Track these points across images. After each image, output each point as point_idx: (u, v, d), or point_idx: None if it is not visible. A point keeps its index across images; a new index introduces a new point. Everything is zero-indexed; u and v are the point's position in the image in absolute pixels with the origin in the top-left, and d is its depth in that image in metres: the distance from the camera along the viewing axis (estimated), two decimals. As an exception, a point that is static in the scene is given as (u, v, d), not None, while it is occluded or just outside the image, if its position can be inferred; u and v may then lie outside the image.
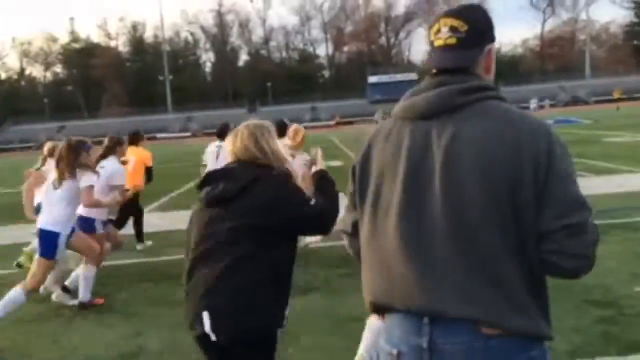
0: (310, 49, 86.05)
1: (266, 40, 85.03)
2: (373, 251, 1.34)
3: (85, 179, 4.38)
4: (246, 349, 1.90)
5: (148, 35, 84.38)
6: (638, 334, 3.46)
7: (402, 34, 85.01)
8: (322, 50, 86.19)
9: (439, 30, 1.36)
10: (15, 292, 4.18)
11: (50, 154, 5.25)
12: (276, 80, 75.09)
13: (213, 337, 1.88)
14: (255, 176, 2.01)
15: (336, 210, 2.08)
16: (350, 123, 56.91)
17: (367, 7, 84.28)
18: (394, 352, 1.31)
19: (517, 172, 1.20)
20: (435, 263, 1.23)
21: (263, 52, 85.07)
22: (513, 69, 74.35)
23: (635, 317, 3.70)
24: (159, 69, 73.70)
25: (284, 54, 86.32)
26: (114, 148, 5.41)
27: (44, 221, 4.31)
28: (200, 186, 2.13)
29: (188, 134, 61.76)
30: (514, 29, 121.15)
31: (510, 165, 1.20)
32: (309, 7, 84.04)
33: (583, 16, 76.95)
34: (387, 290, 1.30)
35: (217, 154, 6.35)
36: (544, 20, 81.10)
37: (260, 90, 73.99)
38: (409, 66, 78.70)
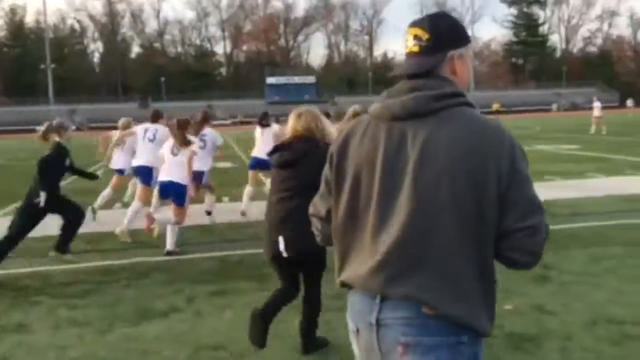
0: (208, 46, 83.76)
1: (160, 33, 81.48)
2: (350, 237, 1.47)
3: (193, 147, 5.96)
4: (305, 262, 2.99)
5: (29, 21, 77.53)
6: (507, 357, 3.19)
7: (301, 37, 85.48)
8: (220, 48, 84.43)
9: (407, 40, 1.48)
10: (171, 228, 5.85)
11: (124, 127, 7.83)
12: (171, 75, 72.09)
13: (285, 254, 2.94)
14: (307, 149, 3.00)
15: None
16: (247, 123, 55.90)
17: (267, 8, 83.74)
18: (354, 328, 1.47)
19: (482, 174, 1.30)
20: (396, 252, 1.34)
21: (157, 45, 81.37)
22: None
23: (503, 338, 3.42)
24: (41, 57, 67.76)
25: (179, 48, 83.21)
26: (207, 120, 7.22)
27: (177, 177, 5.80)
28: (271, 153, 3.15)
29: (72, 127, 57.34)
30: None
31: (477, 168, 1.30)
32: (206, 2, 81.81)
33: (469, 32, 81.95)
34: (354, 271, 1.44)
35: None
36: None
37: (153, 85, 70.60)
38: (308, 69, 79.16)
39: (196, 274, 5.14)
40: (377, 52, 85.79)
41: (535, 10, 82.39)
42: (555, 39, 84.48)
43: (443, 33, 1.46)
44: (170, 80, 70.85)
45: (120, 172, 7.90)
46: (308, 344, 3.23)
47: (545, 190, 8.00)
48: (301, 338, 3.24)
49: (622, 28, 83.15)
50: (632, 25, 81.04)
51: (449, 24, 1.49)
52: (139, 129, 7.13)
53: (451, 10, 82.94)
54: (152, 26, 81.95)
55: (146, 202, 6.68)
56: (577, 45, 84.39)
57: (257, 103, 68.16)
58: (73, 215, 5.58)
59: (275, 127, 8.09)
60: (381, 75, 76.03)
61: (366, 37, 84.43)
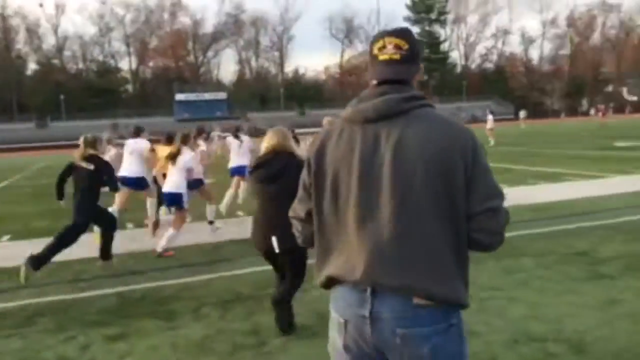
0: (111, 62, 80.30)
1: (59, 49, 77.05)
2: (333, 234, 1.56)
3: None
4: (290, 255, 3.73)
5: None
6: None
7: (210, 53, 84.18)
8: (125, 64, 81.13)
9: (383, 47, 1.57)
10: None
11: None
12: (71, 92, 68.24)
13: (277, 250, 3.70)
14: (284, 163, 3.75)
15: None
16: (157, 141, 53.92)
17: (174, 23, 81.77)
18: (342, 320, 1.54)
19: (450, 164, 1.44)
20: (381, 243, 1.44)
21: (55, 61, 76.86)
22: (317, 93, 78.55)
23: None
24: None
25: (80, 65, 79.06)
26: (201, 134, 8.73)
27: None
28: (253, 169, 3.89)
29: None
30: (318, 56, 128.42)
31: (445, 159, 1.44)
32: (109, 17, 78.54)
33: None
34: (341, 265, 1.51)
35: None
36: (343, 50, 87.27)
37: (51, 103, 66.46)
38: (219, 85, 78.03)
39: (91, 315, 4.63)
40: (288, 68, 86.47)
41: (437, 28, 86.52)
42: (456, 56, 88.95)
43: (417, 46, 1.61)
44: (71, 97, 67.04)
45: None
46: (288, 309, 3.90)
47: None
48: (282, 303, 3.88)
49: (514, 46, 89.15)
50: (523, 43, 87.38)
51: (418, 40, 1.65)
52: (130, 142, 8.13)
53: (358, 28, 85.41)
54: (50, 42, 77.18)
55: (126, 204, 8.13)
56: (475, 62, 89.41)
57: (166, 120, 66.15)
58: (108, 224, 6.12)
59: (245, 138, 9.53)
60: (292, 91, 76.55)
61: (277, 53, 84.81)
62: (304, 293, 4.42)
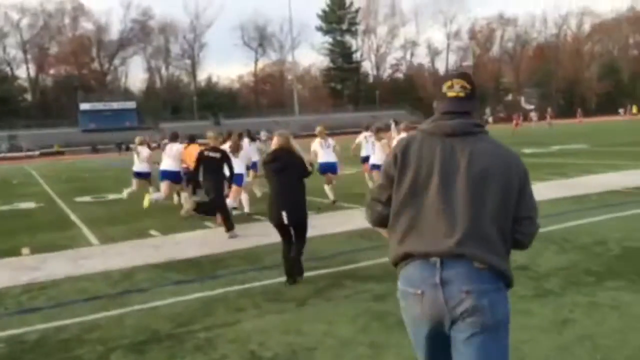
0: (7, 69, 74.53)
1: (-54, 55, 70.59)
2: (409, 215, 1.98)
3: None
4: (299, 226, 5.32)
5: None
6: None
7: (117, 60, 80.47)
8: (23, 72, 75.64)
9: (451, 86, 2.07)
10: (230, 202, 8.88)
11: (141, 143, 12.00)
12: (-40, 102, 62.57)
13: (286, 222, 5.22)
14: (289, 159, 5.41)
15: (308, 172, 5.59)
16: (61, 153, 50.42)
17: (76, 29, 77.37)
18: (418, 292, 1.92)
19: (509, 178, 1.97)
20: (455, 224, 1.91)
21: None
22: (232, 102, 77.27)
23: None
24: None
25: (-30, 73, 72.78)
26: (241, 137, 10.74)
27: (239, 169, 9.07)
28: (267, 163, 5.53)
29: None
30: (231, 65, 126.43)
31: (506, 173, 1.97)
32: (2, 22, 72.95)
33: (290, 58, 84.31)
34: (416, 240, 1.95)
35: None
36: (256, 59, 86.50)
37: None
38: (127, 94, 74.67)
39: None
40: (201, 76, 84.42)
41: (348, 39, 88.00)
42: (368, 66, 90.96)
43: (475, 86, 2.10)
44: (-40, 108, 61.48)
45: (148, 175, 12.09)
46: (299, 264, 5.43)
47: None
48: (295, 260, 5.40)
49: (422, 57, 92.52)
50: (429, 55, 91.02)
51: (475, 81, 2.15)
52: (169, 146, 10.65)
53: (271, 36, 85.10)
54: None
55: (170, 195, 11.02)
56: (386, 72, 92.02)
57: (70, 131, 62.33)
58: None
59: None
60: (206, 100, 74.77)
61: (188, 61, 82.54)
62: (230, 328, 3.89)
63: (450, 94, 2.05)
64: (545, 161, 16.45)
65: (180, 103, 76.45)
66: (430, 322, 1.92)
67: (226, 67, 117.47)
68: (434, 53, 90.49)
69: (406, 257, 1.98)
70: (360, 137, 12.28)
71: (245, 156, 9.88)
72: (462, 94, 2.05)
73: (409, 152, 2.03)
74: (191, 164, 9.00)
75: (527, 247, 2.06)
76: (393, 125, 23.99)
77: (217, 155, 8.01)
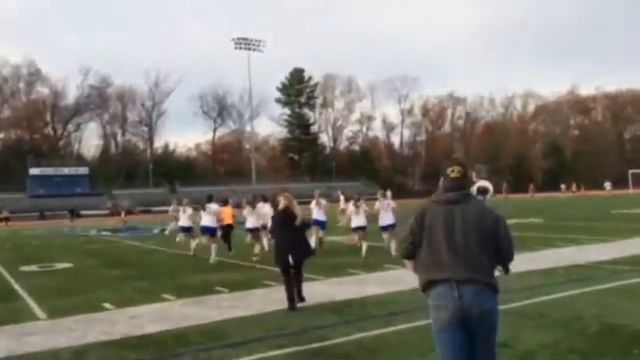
0: (-46, 131, 72.04)
1: None
2: (430, 256, 3.17)
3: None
4: (299, 266, 7.50)
5: None
6: None
7: (71, 126, 79.10)
8: (-29, 135, 73.10)
9: (453, 170, 3.27)
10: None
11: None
12: None
13: (292, 263, 7.36)
14: (292, 215, 7.62)
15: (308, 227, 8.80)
16: (8, 220, 47.81)
17: (30, 93, 76.25)
18: (444, 304, 3.04)
19: (485, 226, 3.13)
20: (460, 259, 3.06)
21: None
22: (188, 170, 76.63)
23: None
24: None
25: None
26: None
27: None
28: (277, 217, 7.86)
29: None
30: (190, 133, 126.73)
31: (482, 223, 3.13)
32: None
33: (248, 128, 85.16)
34: (438, 273, 3.09)
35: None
36: (215, 128, 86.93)
37: None
38: (80, 160, 73.03)
39: None
40: (158, 143, 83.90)
41: (306, 111, 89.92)
42: (325, 138, 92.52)
43: (467, 169, 3.33)
44: None
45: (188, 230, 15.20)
46: (300, 294, 7.49)
47: (350, 286, 7.88)
48: (297, 293, 7.43)
49: (377, 130, 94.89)
50: (385, 129, 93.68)
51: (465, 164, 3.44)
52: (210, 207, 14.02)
53: (230, 106, 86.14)
54: None
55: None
56: (343, 144, 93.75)
57: (17, 197, 59.91)
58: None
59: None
60: (162, 167, 73.94)
61: (145, 128, 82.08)
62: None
63: (453, 175, 3.29)
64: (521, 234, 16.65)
65: (135, 170, 75.25)
66: (454, 324, 3.05)
67: (184, 135, 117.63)
68: (389, 127, 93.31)
69: (433, 283, 3.15)
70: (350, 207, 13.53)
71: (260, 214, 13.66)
72: (459, 176, 3.28)
73: (425, 215, 3.27)
74: (227, 220, 14.51)
75: (509, 263, 3.29)
76: (342, 197, 25.69)
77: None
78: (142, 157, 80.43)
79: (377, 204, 13.09)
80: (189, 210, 15.09)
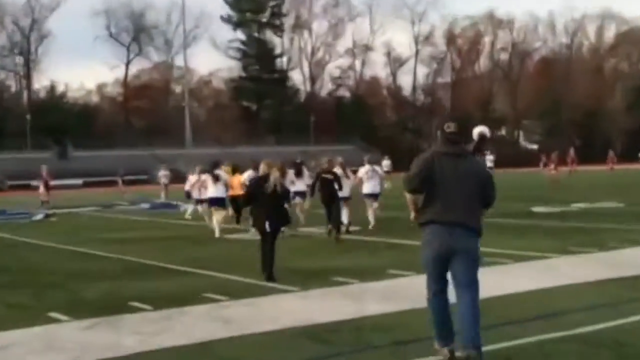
0: None
1: None
2: (436, 199, 6.01)
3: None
4: (274, 232, 11.37)
5: None
6: None
7: None
8: None
9: (449, 126, 6.11)
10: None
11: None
12: None
13: (268, 229, 11.19)
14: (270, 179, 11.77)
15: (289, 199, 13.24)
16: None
17: None
18: (438, 239, 5.95)
19: (482, 179, 6.22)
20: (459, 206, 5.98)
21: None
22: (86, 125, 75.44)
23: None
24: None
25: None
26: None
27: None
28: (257, 182, 12.24)
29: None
30: (89, 69, 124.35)
31: (480, 176, 6.23)
32: None
33: (180, 61, 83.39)
34: (438, 214, 5.98)
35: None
36: (128, 61, 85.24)
37: None
38: None
39: None
40: (39, 83, 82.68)
41: (269, 36, 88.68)
42: (298, 78, 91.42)
43: (465, 126, 6.48)
44: None
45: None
46: (271, 272, 10.75)
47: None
48: (268, 268, 10.81)
49: (378, 67, 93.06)
50: (390, 64, 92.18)
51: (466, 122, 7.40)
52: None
53: (153, 28, 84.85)
54: None
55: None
56: (325, 87, 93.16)
57: None
58: None
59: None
60: (46, 120, 72.71)
61: (20, 59, 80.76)
62: None
63: (449, 130, 5.92)
64: (568, 225, 16.97)
65: (3, 125, 73.97)
66: (442, 254, 5.85)
67: (80, 71, 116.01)
68: (396, 63, 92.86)
69: (431, 222, 5.89)
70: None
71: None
72: (456, 130, 5.94)
73: (434, 164, 5.92)
74: (237, 190, 17.88)
75: (491, 206, 6.23)
76: (386, 162, 34.97)
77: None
78: (14, 105, 79.34)
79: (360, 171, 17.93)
80: (212, 177, 18.22)
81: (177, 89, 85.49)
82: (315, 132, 79.04)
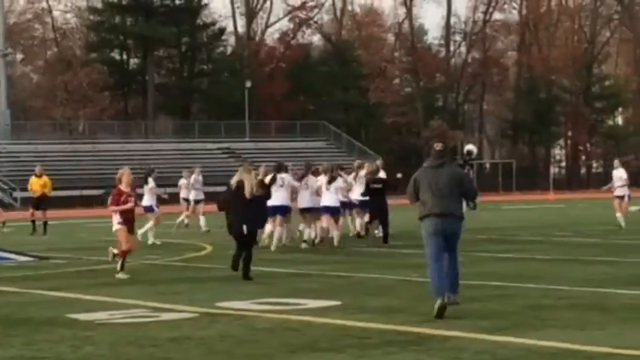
0: None
1: None
2: (427, 200, 9.83)
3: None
4: (251, 236, 15.00)
5: None
6: None
7: None
8: None
9: (438, 145, 10.59)
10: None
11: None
12: None
13: (245, 232, 14.46)
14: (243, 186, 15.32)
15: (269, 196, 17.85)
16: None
17: None
18: (433, 227, 9.80)
19: (457, 180, 10.34)
20: (444, 201, 9.87)
21: None
22: None
23: None
24: None
25: None
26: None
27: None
28: (235, 188, 15.66)
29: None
30: None
31: (457, 179, 10.35)
32: None
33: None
34: (430, 208, 9.81)
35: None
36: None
37: None
38: None
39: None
40: None
41: None
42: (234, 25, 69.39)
43: (447, 146, 17.05)
44: None
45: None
46: (247, 272, 13.87)
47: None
48: (244, 268, 13.83)
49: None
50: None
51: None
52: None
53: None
54: None
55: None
56: (271, 33, 73.48)
57: None
58: None
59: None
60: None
61: None
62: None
63: (438, 148, 10.04)
64: None
65: None
66: (438, 235, 9.56)
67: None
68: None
69: (427, 215, 9.60)
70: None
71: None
72: (442, 149, 10.05)
73: (420, 176, 9.78)
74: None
75: (475, 197, 12.94)
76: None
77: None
78: None
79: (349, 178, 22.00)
80: (281, 181, 20.56)
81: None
82: (253, 114, 57.73)
